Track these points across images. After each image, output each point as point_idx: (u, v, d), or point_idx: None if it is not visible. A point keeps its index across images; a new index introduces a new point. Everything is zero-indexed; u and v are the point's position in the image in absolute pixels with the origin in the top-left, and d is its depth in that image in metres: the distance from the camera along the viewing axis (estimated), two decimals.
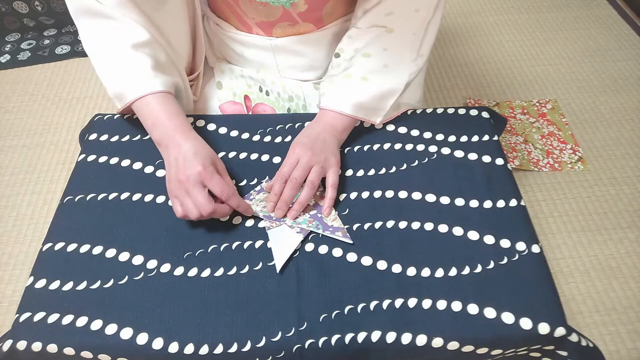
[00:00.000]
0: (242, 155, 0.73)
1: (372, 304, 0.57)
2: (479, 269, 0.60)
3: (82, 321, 0.56)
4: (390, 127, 0.76)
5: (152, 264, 0.61)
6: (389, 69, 0.71)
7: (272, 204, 0.65)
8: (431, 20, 0.71)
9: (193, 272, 0.60)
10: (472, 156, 0.72)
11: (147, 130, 0.68)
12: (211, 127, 0.76)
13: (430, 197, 0.67)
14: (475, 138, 0.74)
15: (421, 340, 0.55)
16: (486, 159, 0.71)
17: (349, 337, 0.55)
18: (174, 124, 0.65)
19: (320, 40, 0.78)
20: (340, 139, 0.71)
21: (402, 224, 0.64)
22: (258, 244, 0.63)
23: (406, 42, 0.71)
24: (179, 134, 0.64)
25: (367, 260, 0.61)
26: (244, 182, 0.69)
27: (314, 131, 0.70)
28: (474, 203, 0.66)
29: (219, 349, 0.54)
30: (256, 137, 0.75)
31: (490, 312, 0.56)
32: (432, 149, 0.73)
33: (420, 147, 0.73)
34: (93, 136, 0.76)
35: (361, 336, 0.55)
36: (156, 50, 0.69)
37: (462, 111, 0.78)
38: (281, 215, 0.64)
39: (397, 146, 0.73)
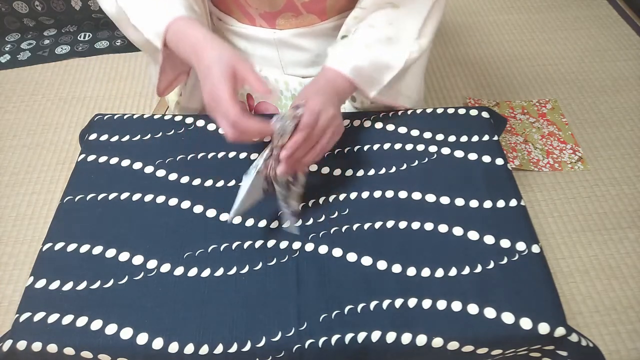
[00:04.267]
0: (242, 155, 0.73)
1: (372, 304, 0.57)
2: (479, 269, 0.60)
3: (82, 321, 0.56)
4: (390, 127, 0.76)
5: (152, 264, 0.61)
6: (391, 42, 0.71)
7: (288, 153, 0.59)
8: (436, 3, 0.71)
9: (193, 272, 0.60)
10: (472, 156, 0.72)
11: (187, 58, 0.64)
12: (211, 127, 0.76)
13: (430, 197, 0.67)
14: (475, 138, 0.74)
15: (421, 340, 0.55)
16: (486, 159, 0.71)
17: (349, 337, 0.55)
18: (200, 37, 0.62)
19: (324, 33, 0.78)
20: (339, 100, 0.68)
21: (402, 224, 0.64)
22: (258, 244, 0.63)
23: (410, 18, 0.71)
24: (202, 47, 0.61)
25: (367, 260, 0.61)
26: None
27: (321, 85, 0.66)
28: (474, 203, 0.66)
29: (219, 349, 0.54)
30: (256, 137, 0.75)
31: (490, 312, 0.56)
32: (432, 149, 0.73)
33: (420, 147, 0.73)
34: (93, 136, 0.76)
35: (361, 336, 0.55)
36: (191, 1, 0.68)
37: (462, 111, 0.78)
38: (284, 170, 0.59)
39: (397, 146, 0.73)
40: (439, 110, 0.78)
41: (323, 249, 0.62)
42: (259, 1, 0.74)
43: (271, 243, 0.63)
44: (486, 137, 0.74)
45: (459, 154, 0.72)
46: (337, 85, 0.67)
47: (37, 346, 0.55)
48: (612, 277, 1.05)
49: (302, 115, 0.59)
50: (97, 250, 0.62)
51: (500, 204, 0.66)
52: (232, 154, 0.73)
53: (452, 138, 0.74)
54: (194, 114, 0.81)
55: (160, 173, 0.71)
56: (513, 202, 0.66)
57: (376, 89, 0.71)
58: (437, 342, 0.55)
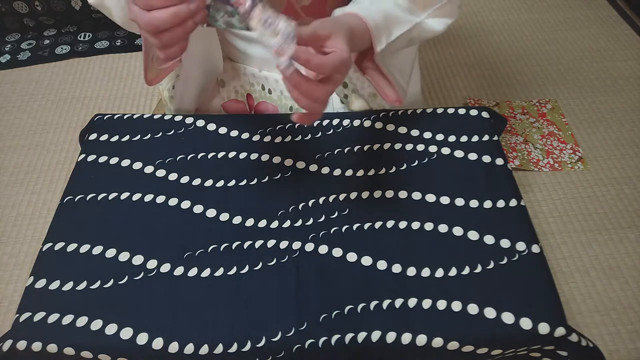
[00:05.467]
0: (242, 155, 0.73)
1: (372, 304, 0.57)
2: (479, 269, 0.60)
3: (82, 321, 0.56)
4: (390, 127, 0.76)
5: (152, 264, 0.61)
6: (400, 6, 0.67)
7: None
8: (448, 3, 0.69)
9: (193, 272, 0.60)
10: (472, 156, 0.72)
11: None
12: (211, 127, 0.76)
13: (430, 197, 0.67)
14: (475, 138, 0.74)
15: (421, 340, 0.55)
16: (486, 159, 0.71)
17: (349, 337, 0.55)
18: None
19: None
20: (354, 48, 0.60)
21: (402, 224, 0.64)
22: (258, 244, 0.63)
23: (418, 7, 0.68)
24: None
25: (367, 260, 0.61)
26: (243, 182, 0.69)
27: (343, 27, 0.57)
28: (474, 203, 0.66)
29: (219, 349, 0.54)
30: (256, 137, 0.75)
31: (490, 312, 0.56)
32: (432, 149, 0.73)
33: (420, 147, 0.73)
34: (93, 136, 0.76)
35: (361, 336, 0.55)
36: None
37: (462, 111, 0.78)
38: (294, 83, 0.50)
39: (397, 146, 0.73)
40: (439, 110, 0.78)
41: (323, 249, 0.62)
42: None
43: (271, 243, 0.63)
44: (486, 137, 0.74)
45: (459, 154, 0.72)
46: (354, 31, 0.60)
47: (37, 346, 0.55)
48: (612, 277, 1.05)
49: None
50: (97, 250, 0.62)
51: (500, 204, 0.66)
52: (232, 154, 0.73)
53: (452, 138, 0.74)
54: (194, 114, 0.81)
55: (160, 173, 0.71)
56: (513, 202, 0.66)
57: (383, 41, 0.65)
58: (437, 342, 0.55)
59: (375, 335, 0.55)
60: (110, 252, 0.62)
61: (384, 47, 0.66)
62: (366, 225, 0.64)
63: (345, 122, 0.76)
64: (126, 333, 0.55)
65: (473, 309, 0.56)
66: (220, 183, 0.69)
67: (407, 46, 0.73)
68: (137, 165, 0.71)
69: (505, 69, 1.51)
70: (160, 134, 0.75)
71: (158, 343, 0.54)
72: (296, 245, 0.63)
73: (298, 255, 0.62)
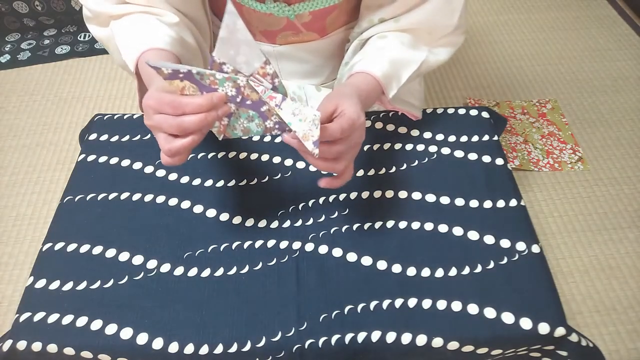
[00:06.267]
0: (242, 155, 0.73)
1: (372, 304, 0.57)
2: (479, 269, 0.60)
3: (82, 321, 0.56)
4: (390, 127, 0.76)
5: (152, 264, 0.61)
6: (405, 45, 0.68)
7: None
8: (451, 35, 0.70)
9: (193, 272, 0.60)
10: (472, 156, 0.72)
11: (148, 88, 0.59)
12: None
13: (430, 197, 0.67)
14: (475, 138, 0.74)
15: (421, 340, 0.55)
16: (486, 159, 0.71)
17: (349, 337, 0.55)
18: (153, 73, 0.53)
19: (323, 48, 0.78)
20: (365, 106, 0.61)
21: (402, 224, 0.64)
22: (258, 244, 0.63)
23: (422, 41, 0.70)
24: (152, 82, 0.56)
25: (367, 260, 0.61)
26: (243, 182, 0.69)
27: (348, 91, 0.59)
28: (474, 203, 0.66)
29: (219, 349, 0.54)
30: (256, 137, 0.75)
31: (490, 312, 0.56)
32: (432, 149, 0.73)
33: (420, 147, 0.73)
34: (93, 136, 0.76)
35: (361, 336, 0.55)
36: (183, 31, 0.66)
37: (462, 111, 0.78)
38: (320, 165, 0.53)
39: (397, 146, 0.73)
40: (439, 110, 0.78)
41: (323, 249, 0.62)
42: (259, 20, 0.74)
43: (271, 243, 0.63)
44: (486, 137, 0.74)
45: (459, 154, 0.72)
46: (362, 89, 0.63)
47: (37, 346, 0.55)
48: (612, 277, 1.05)
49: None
50: (97, 250, 0.62)
51: (500, 204, 0.66)
52: (232, 154, 0.73)
53: (452, 138, 0.74)
54: None
55: (160, 173, 0.71)
56: (513, 202, 0.66)
57: (394, 87, 0.67)
58: (437, 342, 0.55)
59: (375, 335, 0.55)
60: (110, 252, 0.62)
61: (394, 93, 0.68)
62: (366, 225, 0.64)
63: None
64: (126, 333, 0.55)
65: (473, 309, 0.56)
66: (220, 183, 0.69)
67: (416, 79, 0.75)
68: (137, 165, 0.71)
69: (505, 69, 1.52)
70: None
71: (158, 343, 0.54)
72: (296, 245, 0.63)
73: (298, 255, 0.62)
